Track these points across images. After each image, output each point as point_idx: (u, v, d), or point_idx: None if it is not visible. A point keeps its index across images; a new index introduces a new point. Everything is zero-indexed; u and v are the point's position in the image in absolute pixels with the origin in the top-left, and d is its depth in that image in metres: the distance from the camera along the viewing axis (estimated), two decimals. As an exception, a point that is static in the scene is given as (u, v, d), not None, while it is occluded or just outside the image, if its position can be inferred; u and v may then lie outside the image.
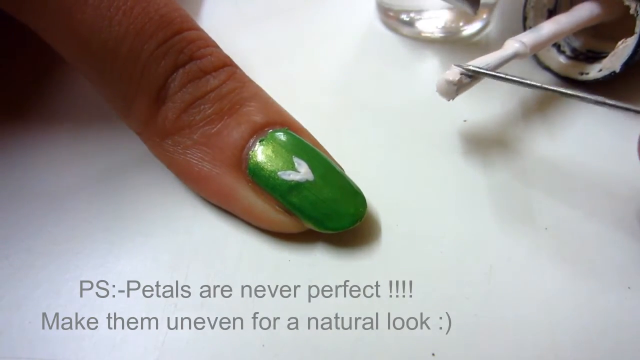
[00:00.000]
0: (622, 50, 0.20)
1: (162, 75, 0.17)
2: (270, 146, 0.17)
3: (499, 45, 0.20)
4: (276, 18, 0.26)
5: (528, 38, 0.20)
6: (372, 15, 0.26)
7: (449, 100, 0.18)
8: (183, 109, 0.17)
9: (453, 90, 0.18)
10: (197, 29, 0.18)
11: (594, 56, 0.22)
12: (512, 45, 0.19)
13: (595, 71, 0.21)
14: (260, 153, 0.17)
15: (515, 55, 0.19)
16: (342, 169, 0.18)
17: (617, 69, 0.20)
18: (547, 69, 0.23)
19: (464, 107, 0.21)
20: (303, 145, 0.17)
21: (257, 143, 0.17)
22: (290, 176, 0.16)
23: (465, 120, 0.21)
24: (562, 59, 0.23)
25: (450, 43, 0.25)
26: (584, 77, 0.22)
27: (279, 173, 0.16)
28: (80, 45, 0.16)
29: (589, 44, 0.23)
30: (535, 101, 0.22)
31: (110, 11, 0.16)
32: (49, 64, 0.24)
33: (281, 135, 0.17)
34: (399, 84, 0.23)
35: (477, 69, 0.18)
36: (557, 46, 0.23)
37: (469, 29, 0.25)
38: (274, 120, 0.17)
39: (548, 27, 0.20)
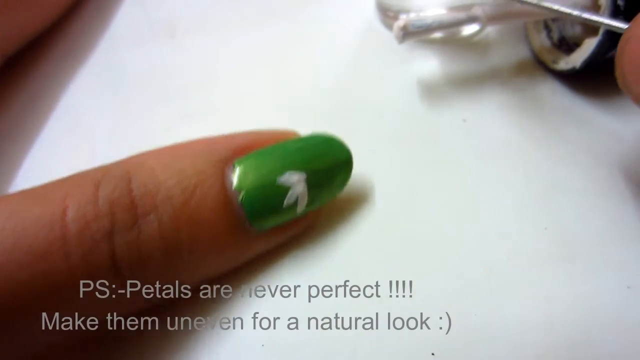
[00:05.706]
0: (586, 48, 0.20)
1: None
2: None
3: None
4: (275, 18, 0.26)
5: (492, 9, 0.20)
6: (372, 15, 0.26)
7: (398, 43, 0.20)
8: None
9: (400, 35, 0.20)
10: None
11: (573, 48, 0.22)
12: (475, 10, 0.21)
13: (563, 63, 0.21)
14: None
15: (471, 20, 0.21)
16: None
17: (577, 65, 0.20)
18: (530, 46, 0.23)
19: (464, 107, 0.21)
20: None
21: None
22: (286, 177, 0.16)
23: (464, 120, 0.21)
24: (545, 43, 0.22)
25: (450, 43, 0.25)
26: (554, 66, 0.22)
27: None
28: None
29: (582, 37, 0.22)
30: (535, 102, 0.22)
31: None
32: (46, 63, 0.24)
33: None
34: (399, 84, 0.23)
35: (420, 24, 0.20)
36: (548, 30, 0.23)
37: (469, 29, 0.25)
38: None
39: (519, 5, 0.20)
